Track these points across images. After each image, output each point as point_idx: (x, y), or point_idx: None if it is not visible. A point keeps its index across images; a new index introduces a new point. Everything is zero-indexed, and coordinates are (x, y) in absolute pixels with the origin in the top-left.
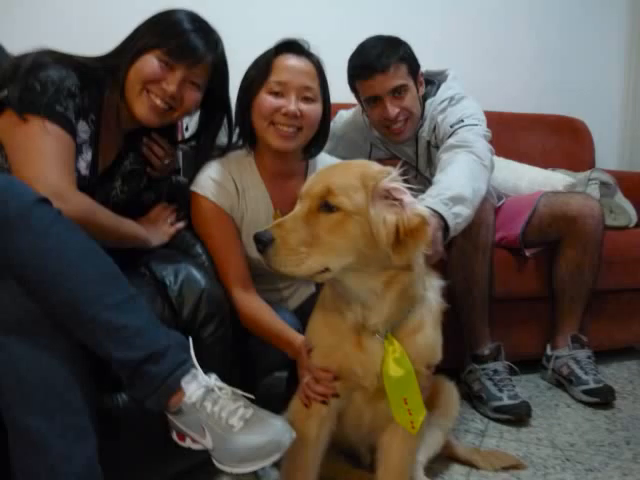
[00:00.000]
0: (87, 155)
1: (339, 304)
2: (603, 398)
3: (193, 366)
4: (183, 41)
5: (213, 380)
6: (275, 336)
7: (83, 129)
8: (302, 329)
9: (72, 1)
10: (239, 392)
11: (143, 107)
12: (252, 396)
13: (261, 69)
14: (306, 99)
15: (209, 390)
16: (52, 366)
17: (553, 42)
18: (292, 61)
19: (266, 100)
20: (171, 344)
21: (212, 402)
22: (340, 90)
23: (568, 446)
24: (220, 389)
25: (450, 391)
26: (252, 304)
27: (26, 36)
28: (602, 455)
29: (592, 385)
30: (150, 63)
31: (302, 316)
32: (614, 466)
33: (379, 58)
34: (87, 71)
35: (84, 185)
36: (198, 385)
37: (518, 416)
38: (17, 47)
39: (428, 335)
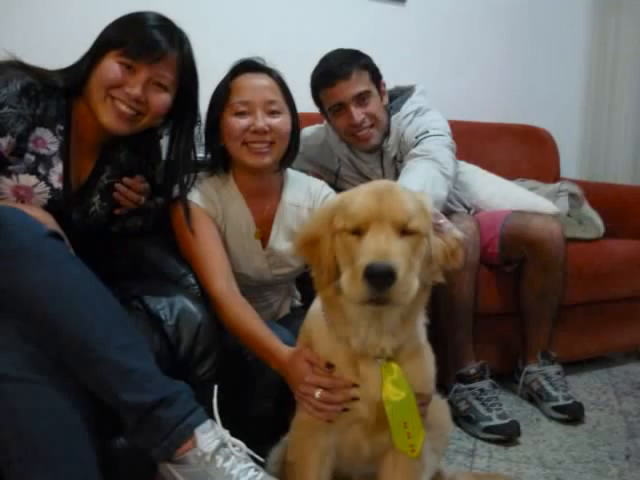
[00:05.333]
0: (58, 167)
1: (342, 330)
2: (572, 415)
3: (212, 416)
4: (143, 35)
5: (228, 435)
6: (259, 341)
7: (50, 140)
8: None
9: (72, 1)
10: (251, 452)
11: (108, 115)
12: (262, 459)
13: (222, 93)
14: (272, 112)
15: (223, 444)
16: (54, 414)
17: (520, 53)
18: (251, 79)
19: (233, 122)
20: (181, 390)
21: (224, 457)
22: None
23: (556, 464)
24: (234, 445)
25: (443, 410)
26: (236, 299)
27: (26, 36)
28: (590, 472)
29: (561, 402)
30: (111, 67)
31: (288, 325)
32: None
33: (341, 66)
34: (53, 82)
35: (59, 199)
36: (215, 436)
37: (508, 436)
38: (17, 47)
39: (428, 356)
